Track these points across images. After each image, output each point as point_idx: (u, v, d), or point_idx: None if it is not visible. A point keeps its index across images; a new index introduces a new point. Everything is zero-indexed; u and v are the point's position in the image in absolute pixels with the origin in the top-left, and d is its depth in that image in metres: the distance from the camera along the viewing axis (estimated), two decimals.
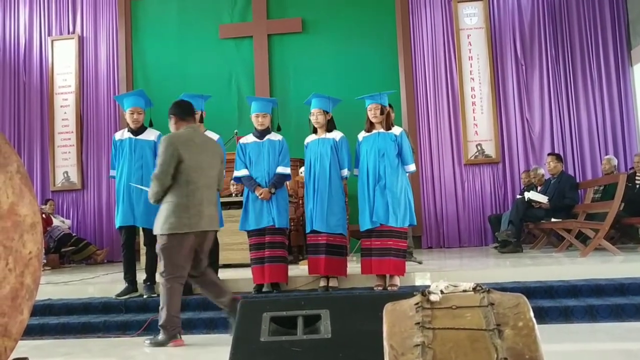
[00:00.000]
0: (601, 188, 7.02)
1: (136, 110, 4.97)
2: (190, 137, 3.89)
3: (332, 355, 2.46)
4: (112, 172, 5.05)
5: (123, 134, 5.06)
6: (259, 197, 4.78)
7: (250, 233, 4.89)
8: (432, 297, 1.59)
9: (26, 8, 9.74)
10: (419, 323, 1.52)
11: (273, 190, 4.80)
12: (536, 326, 1.46)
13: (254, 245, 4.86)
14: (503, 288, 4.28)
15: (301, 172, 5.18)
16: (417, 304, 1.59)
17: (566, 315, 4.10)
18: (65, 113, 9.47)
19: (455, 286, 1.65)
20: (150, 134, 5.04)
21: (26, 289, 2.11)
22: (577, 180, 7.74)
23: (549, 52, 8.77)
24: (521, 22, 8.88)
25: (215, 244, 5.02)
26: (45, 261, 7.53)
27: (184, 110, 4.02)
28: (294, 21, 9.29)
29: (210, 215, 3.91)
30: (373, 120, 4.81)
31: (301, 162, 5.23)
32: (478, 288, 1.62)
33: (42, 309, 4.80)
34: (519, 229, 6.91)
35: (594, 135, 8.58)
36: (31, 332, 4.37)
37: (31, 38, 9.70)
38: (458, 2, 8.99)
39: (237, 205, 6.03)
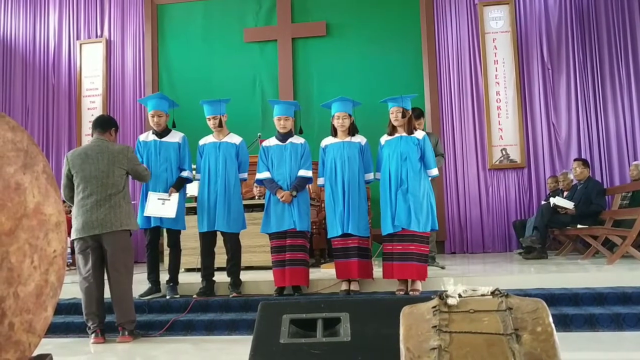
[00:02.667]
0: (629, 194, 6.89)
1: (156, 114, 5.01)
2: (84, 150, 4.32)
3: (351, 358, 2.46)
4: None
5: (148, 136, 5.11)
6: (280, 200, 4.80)
7: (272, 236, 4.90)
8: (450, 301, 1.58)
9: (56, 12, 9.94)
10: (435, 326, 1.51)
11: (294, 193, 4.81)
12: (555, 331, 1.44)
13: (275, 248, 4.87)
14: (527, 294, 4.24)
15: (319, 176, 5.15)
16: (434, 307, 1.58)
17: (591, 324, 4.03)
18: (92, 115, 9.59)
19: (473, 290, 1.63)
20: (175, 136, 5.08)
21: (50, 286, 2.14)
22: (605, 186, 7.60)
23: (577, 55, 8.64)
24: (548, 25, 8.77)
25: (237, 246, 5.06)
26: (70, 261, 7.64)
27: (94, 124, 4.47)
28: (318, 25, 9.30)
29: (99, 219, 4.15)
30: (395, 123, 4.78)
31: None
32: (496, 292, 1.60)
33: (67, 307, 4.88)
34: (544, 235, 6.82)
35: (622, 140, 8.42)
36: (56, 330, 4.45)
37: (60, 42, 9.90)
38: (484, 5, 8.92)
39: (260, 207, 6.05)
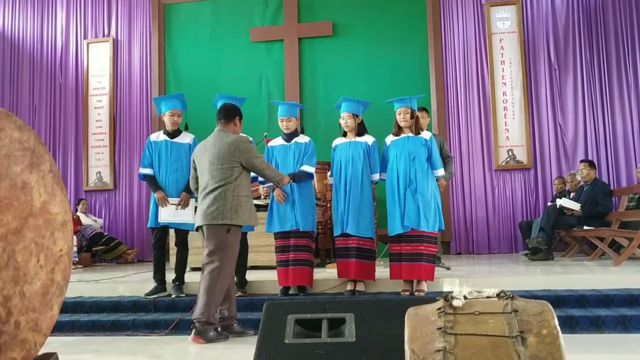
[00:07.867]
0: (636, 196, 6.85)
1: (176, 113, 5.07)
2: (205, 142, 4.24)
3: (355, 358, 2.46)
4: (142, 170, 5.10)
5: (159, 136, 5.13)
6: (276, 198, 4.82)
7: (276, 235, 4.91)
8: (455, 303, 1.57)
9: (63, 12, 9.97)
10: (440, 328, 1.51)
11: (289, 180, 4.64)
12: (560, 334, 1.43)
13: (279, 248, 4.88)
14: (533, 296, 4.23)
15: (330, 176, 5.15)
16: (439, 309, 1.58)
17: (597, 325, 4.02)
18: (99, 114, 9.65)
19: (479, 292, 1.63)
20: (186, 137, 5.12)
21: (56, 285, 2.15)
22: (611, 188, 7.57)
23: (584, 56, 8.60)
24: (555, 26, 8.73)
25: (245, 245, 5.06)
26: (77, 260, 7.68)
27: (217, 115, 4.31)
28: (324, 25, 9.29)
29: (202, 211, 4.07)
30: (402, 124, 4.78)
31: (330, 166, 5.21)
32: (502, 294, 1.59)
33: (73, 306, 4.90)
34: (550, 237, 6.79)
35: (629, 141, 8.37)
36: (62, 328, 4.47)
37: (68, 41, 9.93)
38: (490, 5, 8.89)
39: (265, 207, 6.05)
